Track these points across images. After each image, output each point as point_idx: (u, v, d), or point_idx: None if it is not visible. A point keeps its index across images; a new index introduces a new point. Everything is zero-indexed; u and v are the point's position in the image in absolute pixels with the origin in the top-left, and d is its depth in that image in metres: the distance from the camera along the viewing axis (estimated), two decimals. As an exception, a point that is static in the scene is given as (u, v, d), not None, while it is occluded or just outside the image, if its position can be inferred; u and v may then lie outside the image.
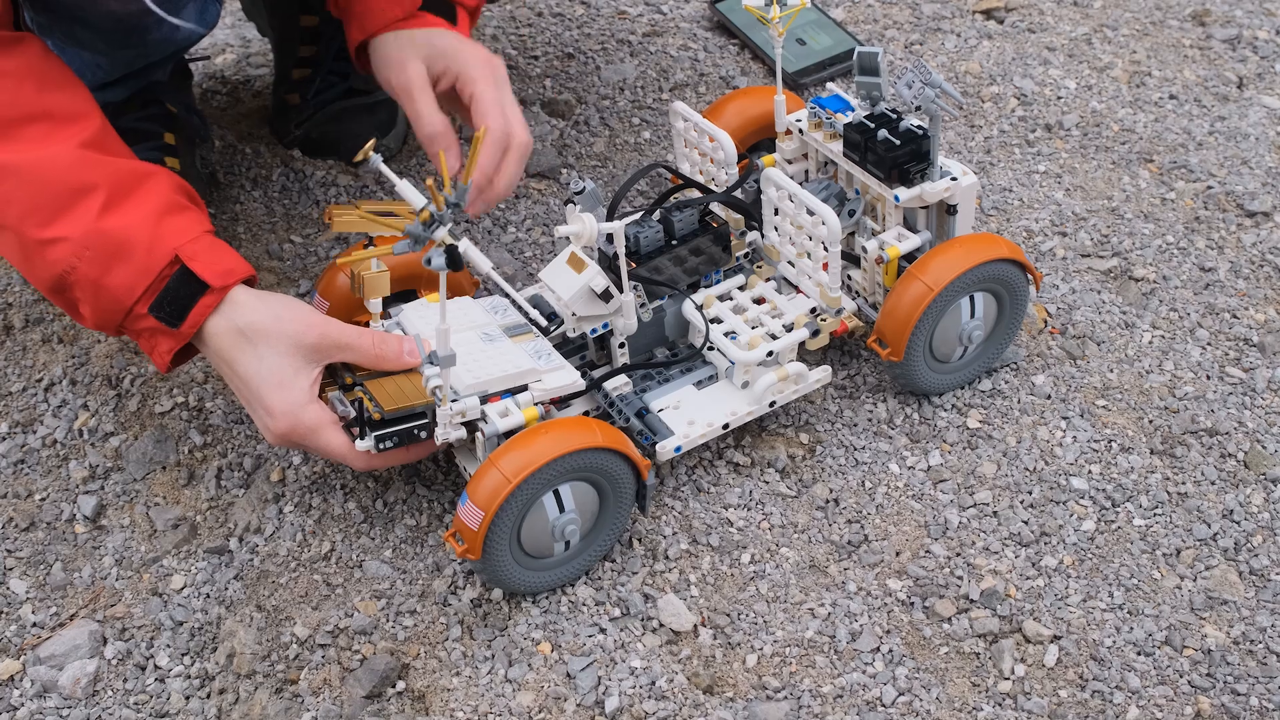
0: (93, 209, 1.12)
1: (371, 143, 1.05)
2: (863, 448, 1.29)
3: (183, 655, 1.15)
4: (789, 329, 1.26)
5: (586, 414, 1.23)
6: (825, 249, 1.23)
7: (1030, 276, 1.29)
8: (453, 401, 1.11)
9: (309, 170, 1.62)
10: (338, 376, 1.19)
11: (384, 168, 1.01)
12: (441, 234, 0.99)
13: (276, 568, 1.21)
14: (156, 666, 1.15)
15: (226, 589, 1.20)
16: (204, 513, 1.26)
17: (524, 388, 1.16)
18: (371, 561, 1.21)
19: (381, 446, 1.14)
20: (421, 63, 1.30)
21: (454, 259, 0.99)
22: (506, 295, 1.19)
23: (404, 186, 1.02)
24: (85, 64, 1.38)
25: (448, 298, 1.04)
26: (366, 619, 1.16)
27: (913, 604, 1.16)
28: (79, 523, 1.27)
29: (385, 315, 1.23)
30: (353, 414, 1.15)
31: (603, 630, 1.14)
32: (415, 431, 1.15)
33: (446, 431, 1.12)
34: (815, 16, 1.84)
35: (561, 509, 1.12)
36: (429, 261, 0.98)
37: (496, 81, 1.29)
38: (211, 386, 1.36)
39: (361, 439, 1.14)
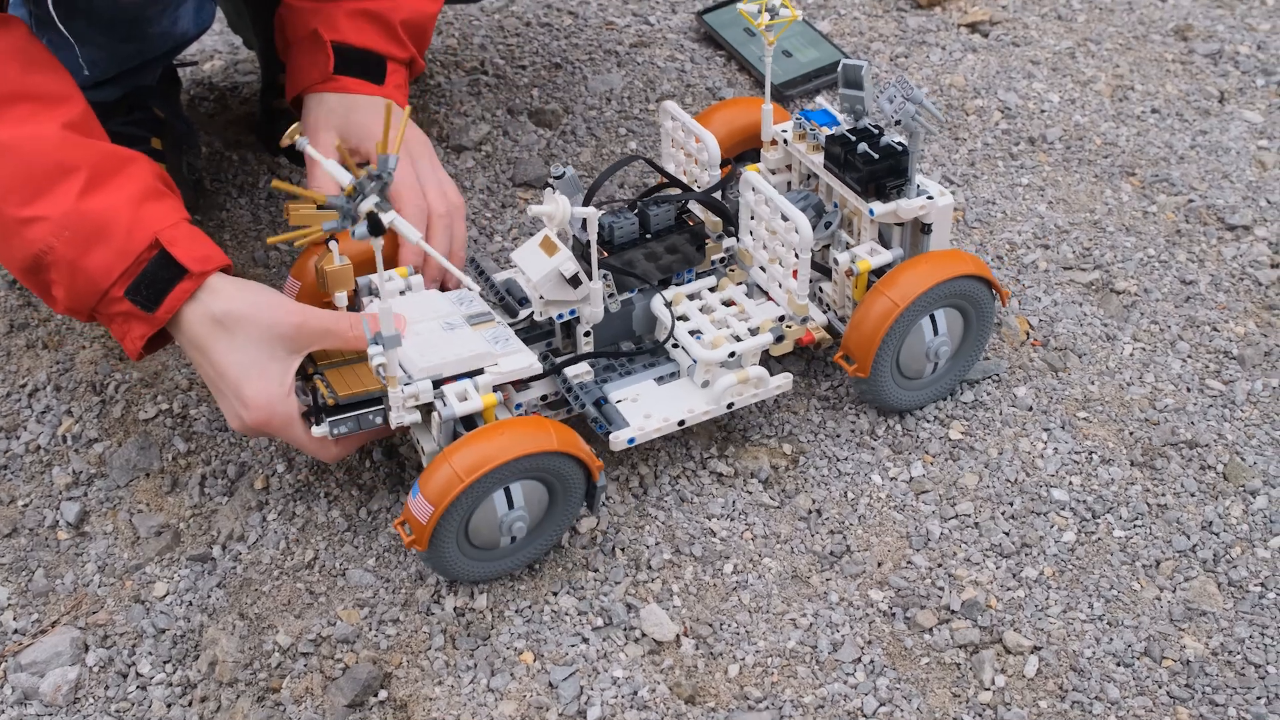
0: (74, 190, 1.11)
1: (295, 126, 1.05)
2: (845, 458, 1.29)
3: (164, 663, 1.15)
4: (754, 332, 1.26)
5: (545, 398, 1.24)
6: (796, 256, 1.24)
7: (996, 293, 1.29)
8: (405, 384, 1.12)
9: (295, 177, 1.62)
10: (300, 366, 1.19)
11: (310, 149, 1.02)
12: (366, 206, 0.99)
13: (259, 575, 1.21)
14: (138, 674, 1.15)
15: (209, 597, 1.20)
16: (187, 520, 1.26)
17: (481, 371, 1.16)
18: (354, 570, 1.21)
19: (335, 432, 1.15)
20: (333, 132, 1.32)
21: (375, 226, 0.99)
22: (443, 264, 1.17)
23: (330, 165, 1.02)
24: (81, 60, 1.38)
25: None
26: (349, 627, 1.16)
27: (894, 615, 1.16)
28: (62, 529, 1.27)
29: (352, 307, 1.24)
30: (310, 402, 1.16)
31: (585, 640, 1.14)
32: (370, 416, 1.15)
33: (400, 415, 1.13)
34: (801, 29, 1.85)
35: (511, 505, 1.13)
36: (355, 233, 0.99)
37: (410, 155, 1.30)
38: (196, 393, 1.36)
39: (317, 425, 1.15)
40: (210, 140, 1.69)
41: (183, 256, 1.13)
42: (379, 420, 1.16)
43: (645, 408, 1.23)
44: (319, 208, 1.02)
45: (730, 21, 1.87)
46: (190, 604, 1.20)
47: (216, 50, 1.88)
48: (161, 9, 1.31)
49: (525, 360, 1.18)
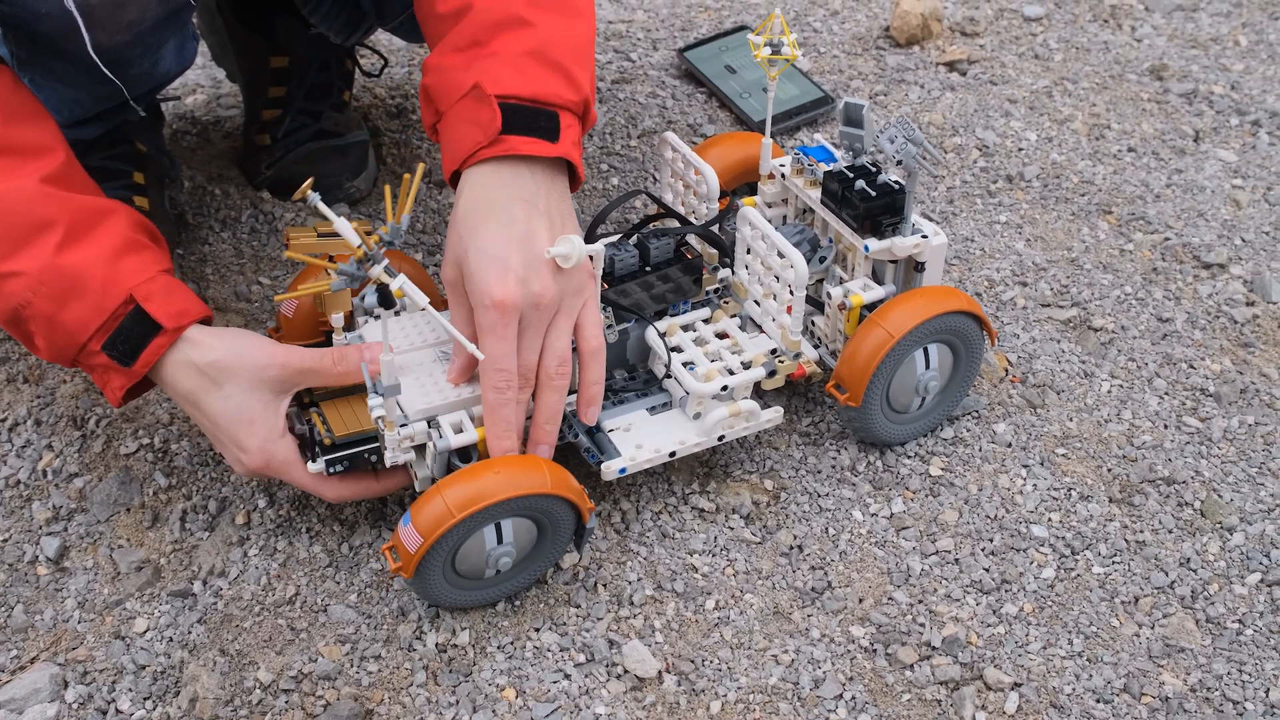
0: (50, 245, 1.12)
1: (309, 181, 1.01)
2: (826, 494, 1.30)
3: (145, 699, 1.15)
4: (747, 366, 1.27)
5: None
6: (791, 292, 1.25)
7: (986, 332, 1.31)
8: (401, 426, 1.13)
9: (278, 212, 1.63)
10: (296, 395, 1.20)
11: (322, 205, 1.02)
12: (376, 272, 1.01)
13: (240, 611, 1.21)
14: (118, 711, 1.14)
15: (190, 632, 1.19)
16: (168, 555, 1.26)
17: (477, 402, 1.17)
18: (336, 605, 1.21)
19: (331, 470, 1.16)
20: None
21: (386, 298, 1.01)
22: (446, 328, 1.17)
23: (341, 225, 1.02)
24: (62, 100, 1.38)
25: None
26: (331, 664, 1.16)
27: (875, 651, 1.17)
28: (41, 564, 1.26)
29: (349, 328, 1.25)
30: (306, 433, 1.17)
31: (567, 676, 1.14)
32: (366, 456, 1.16)
33: (395, 455, 1.14)
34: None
35: (500, 540, 1.14)
36: (363, 299, 1.01)
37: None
38: (177, 428, 1.36)
39: (313, 461, 1.16)
40: (193, 174, 1.69)
41: (157, 312, 1.14)
42: (374, 459, 1.17)
43: (637, 438, 1.24)
44: (325, 243, 1.03)
45: (711, 59, 1.88)
46: (171, 640, 1.19)
47: (200, 84, 1.88)
48: (142, 50, 1.31)
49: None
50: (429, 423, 1.16)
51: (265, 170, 1.65)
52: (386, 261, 1.02)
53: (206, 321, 1.19)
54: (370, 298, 1.01)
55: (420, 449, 1.16)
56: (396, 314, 1.26)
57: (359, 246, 1.01)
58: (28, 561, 1.26)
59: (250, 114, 1.68)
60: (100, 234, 1.15)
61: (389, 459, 1.14)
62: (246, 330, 1.19)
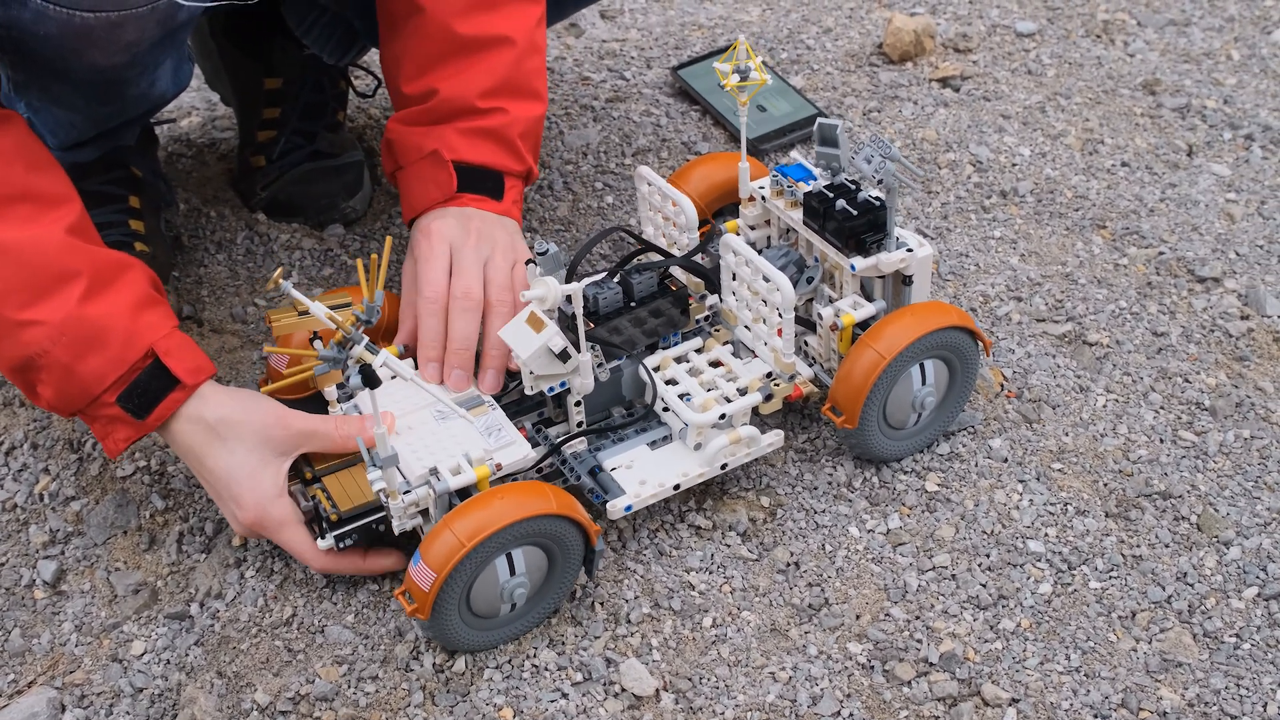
0: (74, 295, 1.14)
1: (280, 271, 1.05)
2: (823, 511, 1.30)
3: (142, 722, 1.15)
4: (743, 392, 1.27)
5: (540, 470, 1.24)
6: (780, 315, 1.25)
7: (980, 343, 1.31)
8: (405, 493, 1.13)
9: (273, 234, 1.63)
10: (299, 470, 1.21)
11: (294, 292, 1.03)
12: (357, 352, 1.01)
13: (238, 633, 1.21)
14: (115, 734, 1.14)
15: (187, 655, 1.19)
16: (165, 578, 1.26)
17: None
18: (333, 627, 1.20)
19: (341, 545, 1.17)
20: (448, 245, 1.33)
21: (370, 378, 1.02)
22: (436, 398, 1.18)
23: (315, 308, 1.04)
24: (59, 122, 1.39)
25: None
26: (328, 685, 1.16)
27: (873, 667, 1.17)
28: (38, 588, 1.26)
29: (346, 398, 1.26)
30: (312, 509, 1.19)
31: (565, 695, 1.14)
32: (374, 526, 1.18)
33: (403, 523, 1.14)
34: (775, 84, 1.88)
35: (513, 572, 1.13)
36: (348, 380, 1.02)
37: (462, 237, 1.32)
38: (173, 451, 1.36)
39: (322, 538, 1.17)
40: (188, 197, 1.70)
41: (176, 368, 1.17)
42: (382, 529, 1.18)
43: (640, 474, 1.24)
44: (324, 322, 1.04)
45: (704, 76, 1.89)
46: (168, 663, 1.19)
47: (194, 107, 1.89)
48: (139, 71, 1.32)
49: (521, 452, 1.19)
50: (431, 473, 1.15)
51: (260, 192, 1.65)
52: (366, 340, 1.02)
53: (216, 377, 1.21)
54: (354, 379, 1.02)
55: (426, 513, 1.17)
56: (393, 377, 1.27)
57: (337, 330, 1.02)
58: (25, 585, 1.26)
59: (245, 136, 1.69)
60: (121, 287, 1.17)
61: (397, 527, 1.15)
62: (254, 391, 1.22)
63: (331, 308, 1.17)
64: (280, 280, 1.02)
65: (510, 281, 1.30)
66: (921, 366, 1.28)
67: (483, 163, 1.36)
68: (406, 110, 1.39)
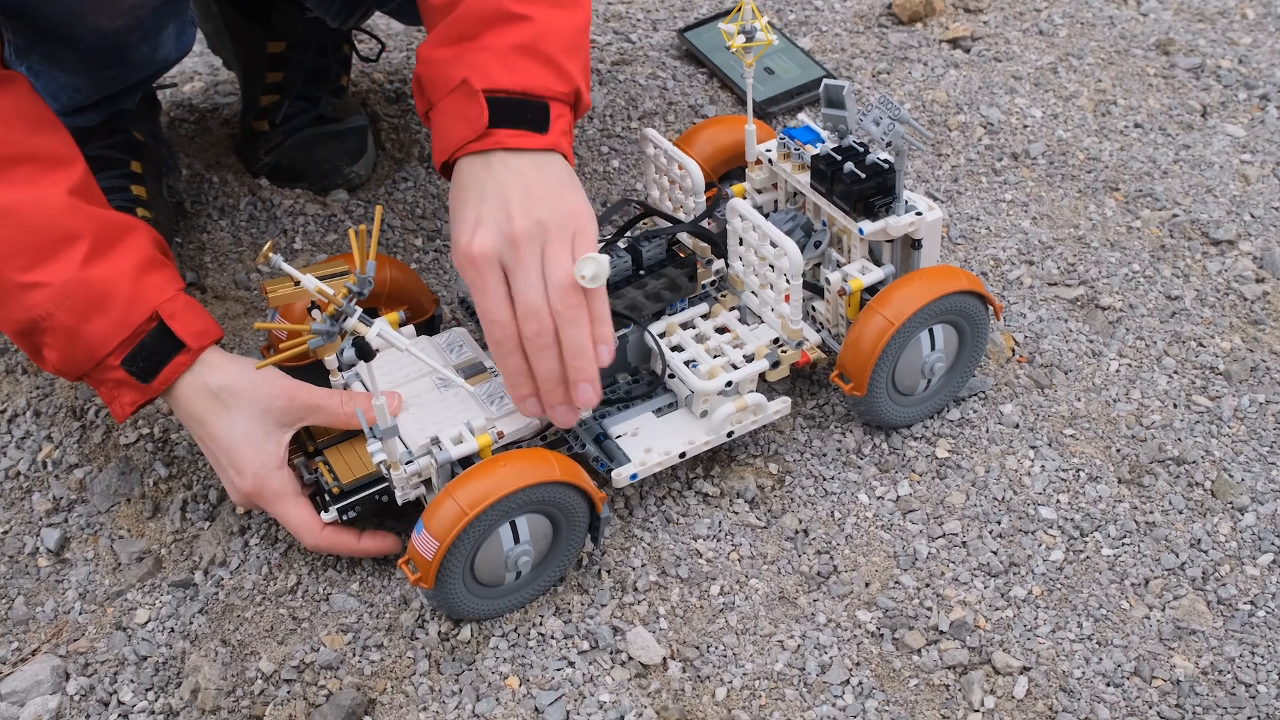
0: (77, 258, 1.12)
1: (270, 244, 1.00)
2: (832, 478, 1.28)
3: (146, 690, 1.14)
4: (750, 359, 1.26)
5: (544, 437, 1.23)
6: (787, 281, 1.23)
7: (991, 307, 1.29)
8: (407, 464, 1.12)
9: (276, 199, 1.61)
10: (300, 443, 1.20)
11: (285, 265, 1.00)
12: (351, 324, 1.00)
13: (242, 601, 1.20)
14: (120, 702, 1.13)
15: (191, 623, 1.19)
16: (169, 545, 1.25)
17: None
18: (338, 595, 1.20)
19: (345, 517, 1.16)
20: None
21: (364, 350, 1.00)
22: (435, 369, 1.15)
23: (307, 280, 1.02)
24: (61, 86, 1.37)
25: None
26: (333, 653, 1.15)
27: (882, 635, 1.16)
28: (42, 556, 1.25)
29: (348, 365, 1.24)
30: (315, 482, 1.18)
31: (571, 664, 1.13)
32: (377, 497, 1.17)
33: (406, 493, 1.13)
34: (783, 46, 1.85)
35: (516, 540, 1.12)
36: (342, 353, 1.00)
37: (510, 247, 1.12)
38: (176, 419, 1.35)
39: (325, 511, 1.16)
40: (190, 162, 1.68)
41: (181, 331, 1.15)
42: (385, 500, 1.17)
43: (646, 441, 1.23)
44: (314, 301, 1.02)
45: (711, 39, 1.87)
46: (172, 631, 1.18)
47: (196, 72, 1.87)
48: (143, 35, 1.30)
49: (523, 420, 1.18)
50: (432, 443, 1.14)
51: (264, 156, 1.64)
52: (359, 311, 1.00)
53: (221, 342, 1.20)
54: (348, 352, 1.00)
55: (429, 483, 1.16)
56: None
57: (329, 302, 1.00)
58: (28, 553, 1.26)
59: (248, 100, 1.67)
60: (125, 249, 1.15)
61: (400, 498, 1.13)
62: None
63: (329, 276, 1.16)
64: (270, 254, 1.00)
65: (571, 277, 1.10)
66: (931, 332, 1.26)
67: (522, 89, 1.15)
68: (435, 30, 1.21)
